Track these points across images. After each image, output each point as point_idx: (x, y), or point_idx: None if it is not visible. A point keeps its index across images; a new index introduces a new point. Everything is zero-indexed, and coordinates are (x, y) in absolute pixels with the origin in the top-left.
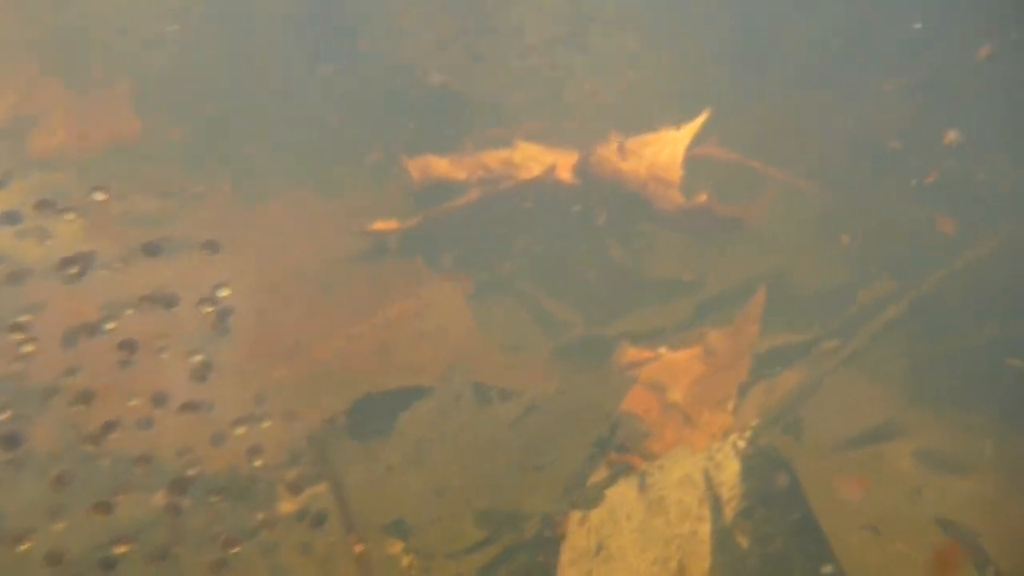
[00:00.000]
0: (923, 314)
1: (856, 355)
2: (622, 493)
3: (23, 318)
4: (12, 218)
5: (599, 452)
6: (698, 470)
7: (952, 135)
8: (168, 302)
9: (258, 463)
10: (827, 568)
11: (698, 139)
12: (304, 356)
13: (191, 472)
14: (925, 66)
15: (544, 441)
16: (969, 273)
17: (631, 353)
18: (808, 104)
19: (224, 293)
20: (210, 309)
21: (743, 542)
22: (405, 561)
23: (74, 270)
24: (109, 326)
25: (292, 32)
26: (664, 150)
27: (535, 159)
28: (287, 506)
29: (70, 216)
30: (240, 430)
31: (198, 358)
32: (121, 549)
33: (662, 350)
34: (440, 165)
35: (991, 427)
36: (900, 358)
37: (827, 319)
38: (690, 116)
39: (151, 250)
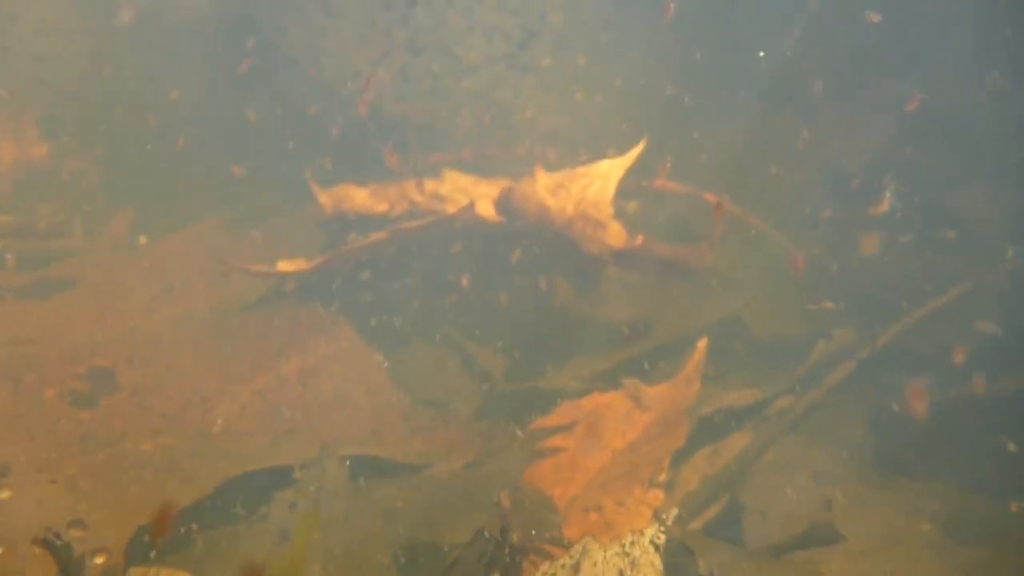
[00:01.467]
0: (884, 367)
1: (808, 416)
2: None
3: None
4: None
5: (493, 545)
6: (612, 569)
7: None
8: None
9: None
10: None
11: (648, 171)
12: (177, 429)
13: None
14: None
15: (435, 528)
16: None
17: (552, 417)
18: (777, 132)
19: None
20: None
21: None
22: None
23: None
24: None
25: (206, 48)
26: (593, 185)
27: (465, 191)
28: None
29: None
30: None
31: None
32: None
33: (587, 407)
34: (358, 195)
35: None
36: (856, 420)
37: (781, 374)
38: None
39: None
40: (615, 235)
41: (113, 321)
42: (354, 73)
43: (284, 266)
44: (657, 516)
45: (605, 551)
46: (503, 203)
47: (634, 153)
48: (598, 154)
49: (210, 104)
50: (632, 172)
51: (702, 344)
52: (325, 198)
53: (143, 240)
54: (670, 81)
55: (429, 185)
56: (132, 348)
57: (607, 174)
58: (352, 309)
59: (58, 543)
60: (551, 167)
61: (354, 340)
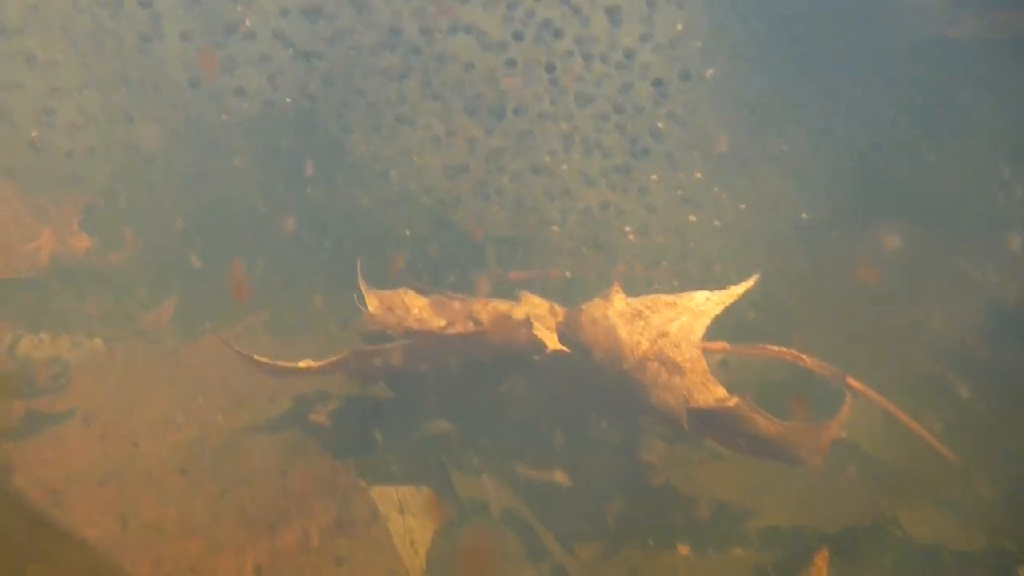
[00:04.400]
0: None
1: None
2: None
3: None
4: None
5: None
6: None
7: None
8: None
9: None
10: None
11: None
12: None
13: None
14: None
15: None
16: None
17: None
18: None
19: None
20: None
21: None
22: None
23: None
24: None
25: (264, 143)
26: (679, 319)
27: (542, 320)
28: None
29: None
30: None
31: None
32: None
33: None
34: (415, 304)
35: None
36: None
37: None
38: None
39: None
40: (699, 387)
41: (113, 445)
42: (427, 187)
43: (286, 364)
44: None
45: None
46: (567, 327)
47: (740, 289)
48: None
49: (265, 202)
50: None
51: (821, 553)
52: (376, 301)
53: (174, 340)
54: (805, 206)
55: (502, 306)
56: (120, 489)
57: (701, 309)
58: (378, 466)
59: None
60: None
61: (372, 508)
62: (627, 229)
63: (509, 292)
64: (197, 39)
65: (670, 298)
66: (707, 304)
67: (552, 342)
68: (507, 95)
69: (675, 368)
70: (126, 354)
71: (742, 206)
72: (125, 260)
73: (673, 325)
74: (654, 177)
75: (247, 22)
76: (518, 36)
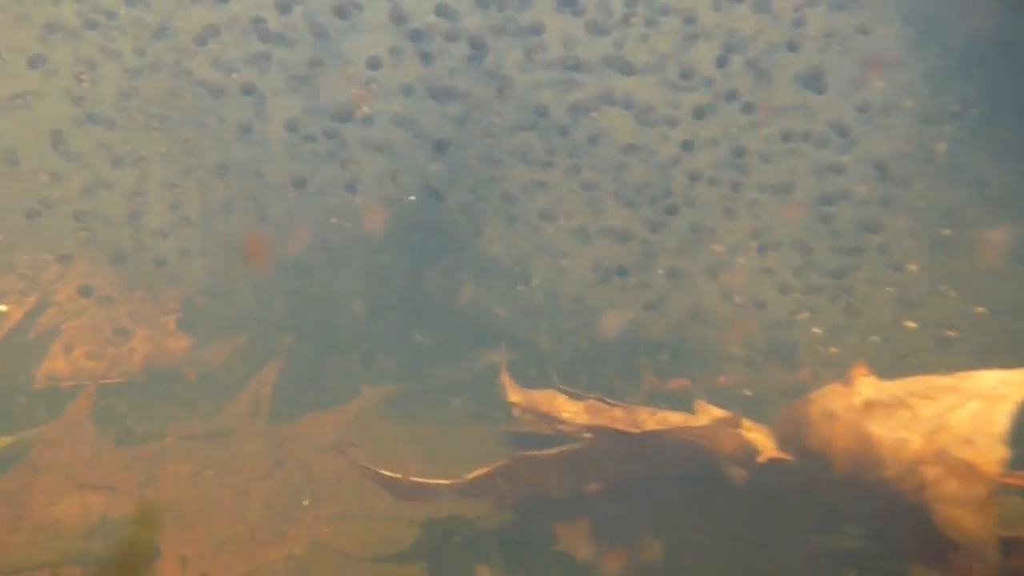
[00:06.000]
0: None
1: None
2: None
3: None
4: None
5: None
6: None
7: None
8: None
9: None
10: None
11: None
12: None
13: None
14: None
15: None
16: None
17: None
18: None
19: None
20: None
21: None
22: None
23: None
24: None
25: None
26: (965, 407)
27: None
28: None
29: None
30: None
31: None
32: None
33: None
34: (566, 409)
35: None
36: None
37: None
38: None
39: None
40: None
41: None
42: (575, 298)
43: (446, 482)
44: None
45: None
46: (788, 426)
47: None
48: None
49: (377, 303)
50: None
51: None
52: (519, 398)
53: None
54: None
55: (674, 417)
56: None
57: (997, 392)
58: None
59: None
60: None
61: None
62: (816, 331)
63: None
64: (305, 126)
65: (946, 380)
66: (1004, 387)
67: (767, 447)
68: (674, 182)
69: (970, 473)
70: (222, 455)
71: (979, 309)
72: (224, 360)
73: (957, 415)
74: (859, 273)
75: (364, 107)
76: (699, 114)
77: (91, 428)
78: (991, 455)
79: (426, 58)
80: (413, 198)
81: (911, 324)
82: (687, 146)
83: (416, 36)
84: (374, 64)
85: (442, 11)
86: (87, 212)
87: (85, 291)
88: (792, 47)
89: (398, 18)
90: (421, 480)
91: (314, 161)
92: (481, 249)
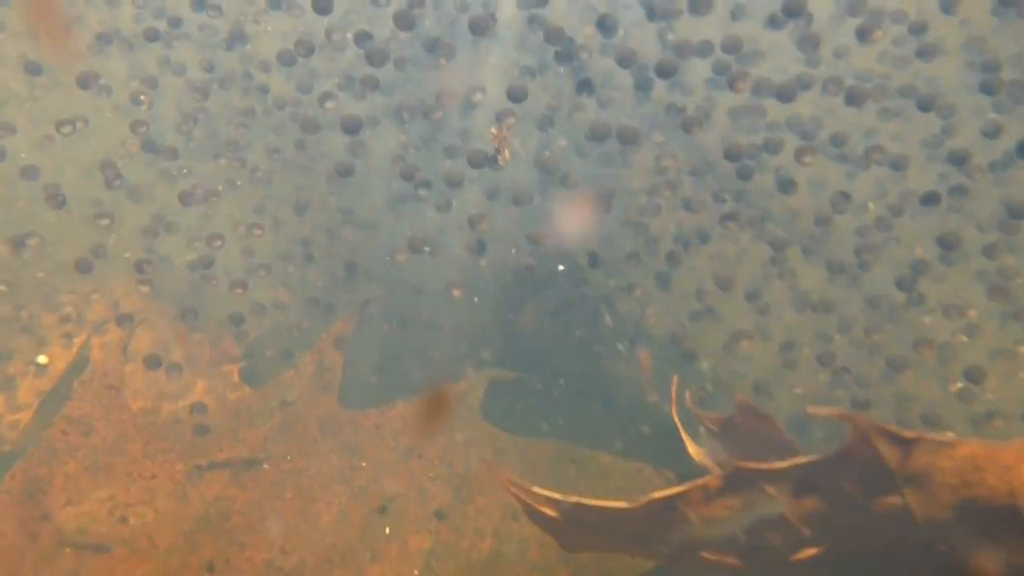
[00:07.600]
0: None
1: None
2: None
3: None
4: None
5: None
6: None
7: None
8: None
9: None
10: None
11: None
12: None
13: None
14: None
15: None
16: None
17: None
18: None
19: None
20: None
21: None
22: None
23: None
24: None
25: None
26: None
27: None
28: None
29: None
30: None
31: None
32: None
33: None
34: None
35: None
36: None
37: None
38: None
39: None
40: None
41: None
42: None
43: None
44: None
45: None
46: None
47: None
48: None
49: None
50: None
51: None
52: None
53: None
54: None
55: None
56: None
57: None
58: None
59: None
60: None
61: None
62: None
63: None
64: (419, 176)
65: None
66: None
67: None
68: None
69: None
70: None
71: None
72: None
73: None
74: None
75: (507, 151)
76: (958, 159)
77: None
78: None
79: (585, 87)
80: (562, 268)
81: None
82: (929, 199)
83: (566, 57)
84: (517, 95)
85: (603, 26)
86: (148, 261)
87: (153, 362)
88: None
89: (550, 35)
90: (590, 501)
91: (431, 215)
92: (624, 312)
